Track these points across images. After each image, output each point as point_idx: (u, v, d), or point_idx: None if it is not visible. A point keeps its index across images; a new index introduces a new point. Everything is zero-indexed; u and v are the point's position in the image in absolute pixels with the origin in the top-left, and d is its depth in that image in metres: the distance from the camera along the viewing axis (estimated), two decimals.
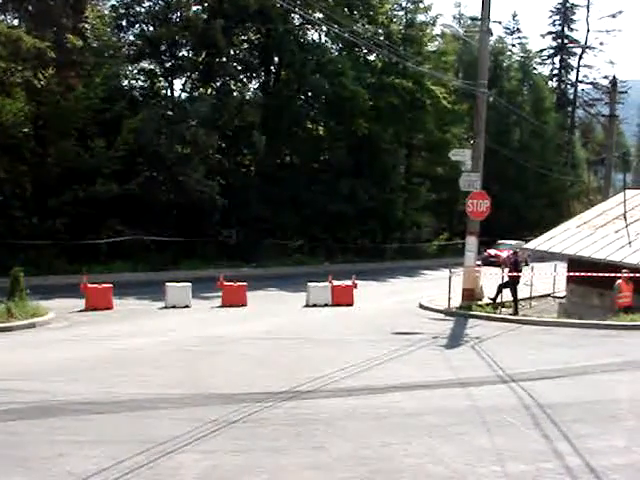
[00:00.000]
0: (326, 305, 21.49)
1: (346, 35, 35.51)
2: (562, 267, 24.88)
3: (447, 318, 19.63)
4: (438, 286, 23.89)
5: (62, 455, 7.78)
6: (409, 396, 10.36)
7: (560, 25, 73.56)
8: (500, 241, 44.11)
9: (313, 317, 19.74)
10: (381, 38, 41.04)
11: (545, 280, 25.16)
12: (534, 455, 7.83)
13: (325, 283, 22.35)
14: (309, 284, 22.27)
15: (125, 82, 37.34)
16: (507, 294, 21.49)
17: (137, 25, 37.62)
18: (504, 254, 34.22)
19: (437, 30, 48.69)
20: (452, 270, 21.51)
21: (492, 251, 40.82)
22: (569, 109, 73.70)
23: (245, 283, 21.83)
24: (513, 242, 40.83)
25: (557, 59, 75.11)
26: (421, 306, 21.78)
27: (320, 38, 44.07)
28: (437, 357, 13.66)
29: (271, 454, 7.84)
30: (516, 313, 20.65)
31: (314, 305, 21.48)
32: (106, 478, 7.08)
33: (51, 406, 9.69)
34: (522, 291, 21.84)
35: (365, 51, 43.31)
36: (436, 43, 50.55)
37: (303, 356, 13.69)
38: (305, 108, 41.94)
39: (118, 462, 7.49)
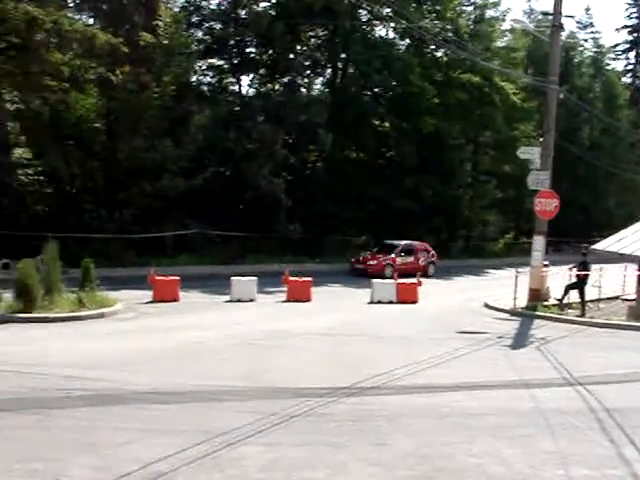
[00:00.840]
0: (390, 302, 21.42)
1: (414, 31, 35.30)
2: (633, 269, 24.24)
3: (512, 318, 19.38)
4: (503, 285, 23.60)
5: (129, 442, 7.99)
6: (472, 396, 10.29)
7: (637, 18, 71.29)
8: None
9: (377, 314, 19.71)
10: (449, 34, 40.61)
11: (614, 282, 24.57)
12: (599, 460, 7.70)
13: (390, 280, 22.29)
14: (373, 281, 22.24)
15: (194, 78, 37.90)
16: (574, 295, 21.06)
17: (205, 23, 38.13)
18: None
19: (506, 25, 47.96)
20: (518, 270, 21.21)
21: None
22: None
23: (310, 278, 21.91)
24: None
25: (632, 54, 72.90)
26: (486, 305, 21.54)
27: (387, 34, 43.90)
28: (501, 357, 13.51)
29: (333, 449, 7.89)
30: (583, 315, 20.22)
31: (378, 302, 21.44)
32: (171, 466, 7.25)
33: (118, 395, 9.95)
34: (590, 292, 21.35)
35: (432, 47, 42.91)
36: (505, 39, 49.74)
37: (366, 352, 13.70)
38: (371, 104, 41.79)
39: (182, 451, 7.66)
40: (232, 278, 21.46)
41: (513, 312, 20.18)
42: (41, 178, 31.69)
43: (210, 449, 7.74)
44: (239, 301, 20.69)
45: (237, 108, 37.02)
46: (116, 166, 31.30)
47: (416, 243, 34.11)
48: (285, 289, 21.85)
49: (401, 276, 24.07)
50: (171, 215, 31.66)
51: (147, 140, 31.30)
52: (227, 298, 21.00)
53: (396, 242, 33.48)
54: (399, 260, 31.86)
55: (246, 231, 33.13)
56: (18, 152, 32.22)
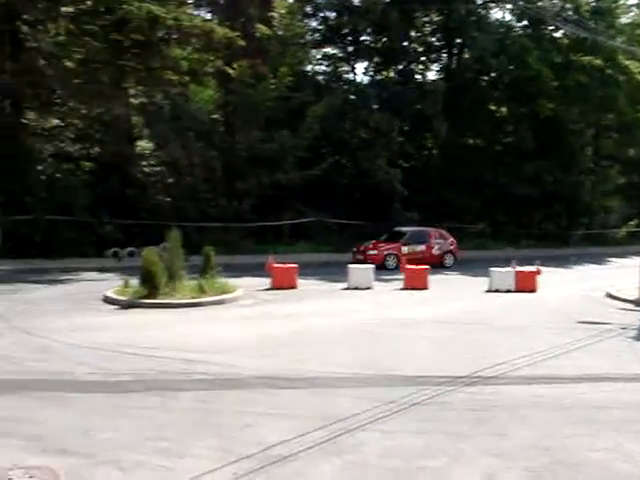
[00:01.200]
0: (508, 291, 20.95)
1: (532, 11, 34.29)
2: None
3: (637, 309, 18.54)
4: (627, 275, 22.62)
5: (249, 425, 8.17)
6: (595, 388, 9.92)
7: None
8: None
9: (495, 303, 19.33)
10: (569, 13, 39.23)
11: None
12: None
13: (508, 268, 21.80)
14: (491, 269, 21.81)
15: (309, 68, 38.27)
16: None
17: (319, 12, 38.35)
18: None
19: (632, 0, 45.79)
20: None
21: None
22: None
23: (427, 266, 21.73)
24: None
25: None
26: (609, 295, 20.70)
27: (503, 16, 42.90)
28: (626, 349, 12.95)
29: (451, 438, 7.80)
30: None
31: (496, 290, 21.02)
32: (290, 450, 7.35)
33: (239, 379, 10.19)
34: None
35: (551, 28, 41.54)
36: (631, 14, 47.47)
37: (484, 341, 13.46)
38: (487, 89, 40.97)
39: (301, 435, 7.76)
40: (349, 266, 21.56)
41: (638, 303, 19.30)
42: (163, 169, 32.91)
43: (329, 435, 7.80)
44: (356, 289, 20.75)
45: (352, 97, 37.10)
46: (234, 157, 32.05)
47: (429, 229, 31.34)
48: (402, 277, 21.74)
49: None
50: (288, 204, 32.11)
51: (264, 131, 31.84)
52: (344, 286, 21.10)
53: (405, 229, 31.11)
54: (406, 249, 29.02)
55: (362, 219, 33.19)
56: (141, 144, 33.56)
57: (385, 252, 28.67)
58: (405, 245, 29.23)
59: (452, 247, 30.76)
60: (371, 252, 28.62)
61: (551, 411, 8.92)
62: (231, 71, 31.67)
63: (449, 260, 30.13)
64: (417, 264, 23.05)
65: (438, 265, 27.11)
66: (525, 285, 21.19)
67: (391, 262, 28.11)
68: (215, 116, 33.12)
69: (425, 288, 21.12)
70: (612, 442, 7.72)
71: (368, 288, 20.98)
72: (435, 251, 29.92)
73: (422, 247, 29.61)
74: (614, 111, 43.47)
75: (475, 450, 7.42)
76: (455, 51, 41.36)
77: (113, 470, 6.88)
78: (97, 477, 6.72)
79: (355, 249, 29.50)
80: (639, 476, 6.84)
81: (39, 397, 9.30)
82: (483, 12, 41.01)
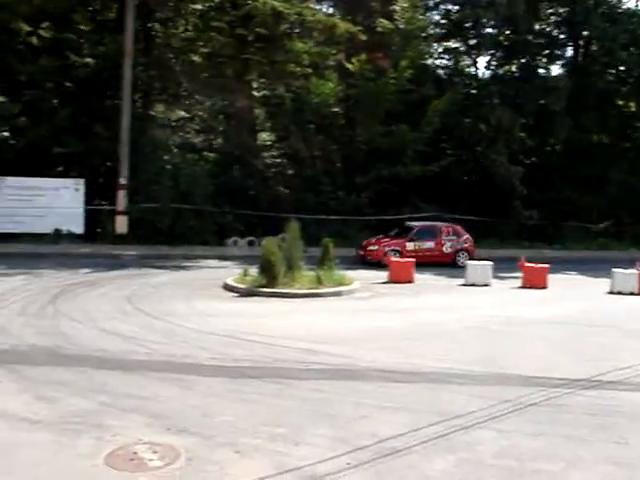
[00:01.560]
0: (632, 294, 20.11)
1: None
2: None
3: None
4: None
5: (364, 417, 8.21)
6: None
7: None
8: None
9: (618, 305, 18.58)
10: None
11: None
12: None
13: (632, 270, 20.92)
14: (614, 270, 20.99)
15: (430, 62, 37.88)
16: None
17: (442, 5, 37.90)
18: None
19: None
20: None
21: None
22: None
23: (546, 265, 21.16)
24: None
25: None
26: None
27: (637, 5, 41.02)
28: None
29: (569, 442, 7.58)
30: None
31: (618, 292, 20.20)
32: (404, 443, 7.34)
33: (356, 370, 10.26)
34: None
35: None
36: None
37: (605, 345, 12.96)
38: (615, 84, 39.30)
39: (415, 430, 7.74)
40: (467, 262, 21.26)
41: None
42: (283, 161, 33.46)
43: (443, 431, 7.75)
44: (473, 285, 20.46)
45: (474, 91, 36.49)
46: (354, 150, 32.21)
47: (441, 224, 28.13)
48: (520, 275, 21.25)
49: (418, 265, 21.73)
50: (406, 198, 31.97)
51: (384, 124, 31.81)
52: (461, 282, 20.84)
53: (414, 223, 28.00)
54: (411, 245, 26.28)
55: (481, 216, 32.65)
56: (263, 136, 34.23)
57: (386, 248, 25.90)
58: (411, 241, 26.55)
59: (467, 245, 27.58)
60: (371, 248, 26.38)
61: None
62: (351, 66, 31.84)
63: (463, 259, 26.37)
64: (426, 263, 22.74)
65: (450, 264, 25.51)
66: None
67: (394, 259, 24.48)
68: (336, 109, 33.30)
69: (544, 287, 20.55)
70: None
71: (486, 285, 20.63)
72: (447, 249, 27.04)
73: (431, 244, 26.80)
74: None
75: (594, 456, 7.19)
76: (581, 43, 39.90)
77: (230, 452, 7.07)
78: (215, 458, 6.92)
79: (360, 244, 27.19)
80: None
81: (162, 378, 9.67)
82: (612, 2, 39.26)
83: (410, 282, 20.35)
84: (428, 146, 32.73)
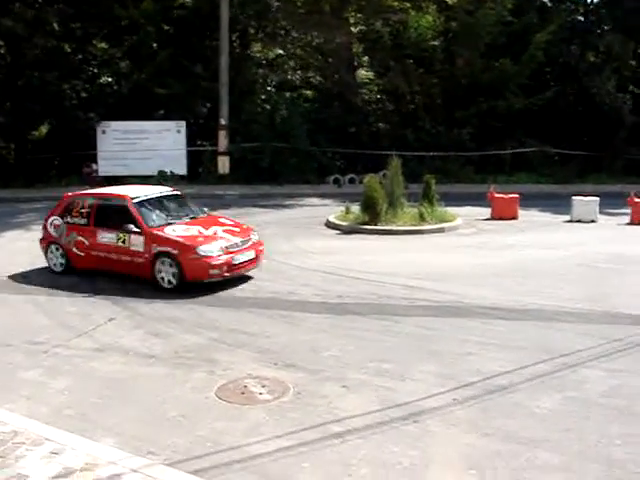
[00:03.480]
0: None
1: None
2: None
3: None
4: None
5: (470, 354, 8.22)
6: None
7: None
8: None
9: None
10: None
11: None
12: None
13: None
14: None
15: None
16: None
17: None
18: None
19: None
20: None
21: None
22: None
23: None
24: None
25: None
26: None
27: None
28: None
29: None
30: None
31: None
32: (510, 381, 7.34)
33: (461, 307, 10.25)
34: None
35: None
36: None
37: None
38: None
39: (522, 367, 7.72)
40: (573, 198, 20.61)
41: None
42: (383, 97, 33.01)
43: (550, 369, 7.69)
44: (579, 222, 19.85)
45: (581, 18, 34.78)
46: (454, 84, 31.40)
47: None
48: (629, 211, 20.47)
49: None
50: (509, 133, 31.10)
51: (485, 57, 30.86)
52: (567, 218, 20.26)
53: None
54: None
55: (587, 150, 31.46)
56: (362, 72, 33.80)
57: None
58: None
59: None
60: None
61: None
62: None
63: None
64: None
65: None
66: None
67: None
68: (435, 43, 32.44)
69: None
70: None
71: (592, 221, 19.97)
72: None
73: None
74: None
75: None
76: None
77: (338, 387, 7.23)
78: (323, 392, 7.09)
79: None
80: None
81: (270, 315, 9.93)
82: None
83: (514, 218, 19.92)
84: (531, 78, 31.53)
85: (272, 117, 29.50)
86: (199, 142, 29.78)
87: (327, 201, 23.95)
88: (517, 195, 20.62)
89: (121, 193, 12.89)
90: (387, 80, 32.17)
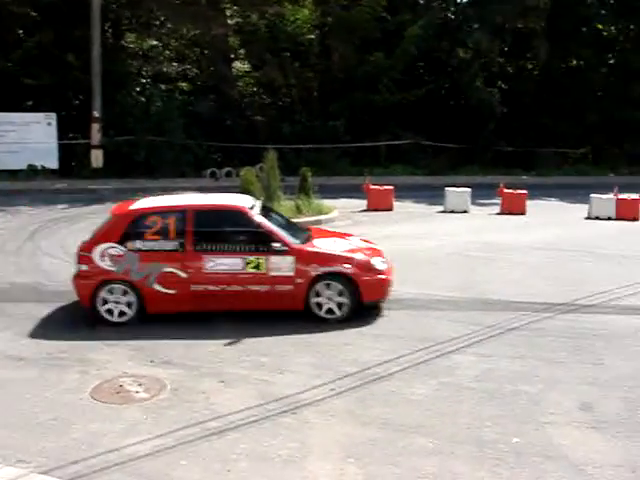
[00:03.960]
0: (609, 218, 20.26)
1: None
2: None
3: None
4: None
5: (347, 344, 8.36)
6: None
7: None
8: None
9: (595, 230, 18.71)
10: None
11: None
12: None
13: (609, 195, 21.03)
14: (592, 196, 21.10)
15: None
16: None
17: None
18: None
19: None
20: None
21: None
22: None
23: (524, 191, 21.22)
24: None
25: None
26: None
27: None
28: None
29: (547, 364, 7.78)
30: None
31: (596, 218, 20.35)
32: (386, 369, 7.51)
33: None
34: None
35: None
36: None
37: (583, 269, 13.09)
38: (594, 7, 38.72)
39: (398, 356, 7.91)
40: (446, 189, 21.26)
41: None
42: (259, 89, 32.96)
43: (424, 356, 7.92)
44: (452, 212, 20.51)
45: (451, 15, 35.91)
46: (330, 78, 31.74)
47: None
48: (499, 201, 21.33)
49: None
50: (384, 126, 31.72)
51: (360, 52, 31.33)
52: (440, 209, 20.88)
53: None
54: None
55: (458, 142, 32.55)
56: (238, 65, 33.61)
57: None
58: None
59: None
60: None
61: None
62: None
63: None
64: None
65: None
66: (627, 213, 20.37)
67: None
68: (311, 37, 32.67)
69: (522, 213, 20.64)
70: None
71: (464, 212, 20.68)
72: None
73: None
74: None
75: (570, 378, 7.39)
76: None
77: (215, 382, 7.18)
78: (201, 388, 7.01)
79: None
80: None
81: None
82: None
83: (389, 210, 20.36)
84: (405, 73, 32.31)
85: (147, 110, 28.87)
86: (71, 135, 28.70)
87: None
88: (392, 187, 21.07)
89: (229, 203, 10.04)
90: (263, 73, 32.15)
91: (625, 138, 36.93)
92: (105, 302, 9.17)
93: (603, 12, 38.63)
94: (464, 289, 11.04)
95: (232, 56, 33.29)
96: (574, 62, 39.51)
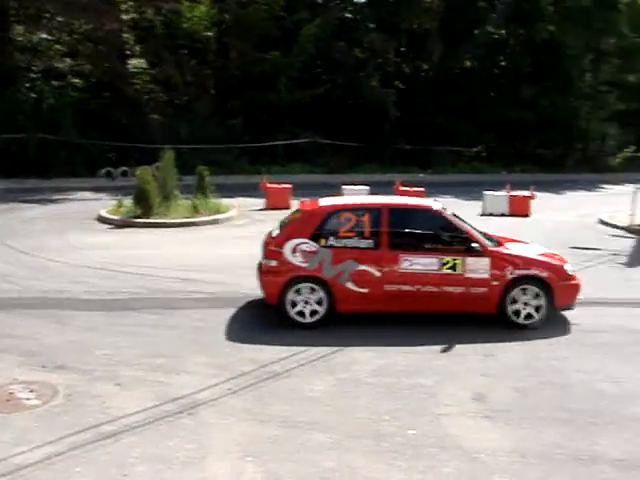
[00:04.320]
0: (502, 215, 20.99)
1: None
2: None
3: (628, 235, 18.54)
4: (620, 202, 22.56)
5: (245, 342, 8.32)
6: (588, 312, 9.95)
7: None
8: None
9: (488, 226, 19.23)
10: None
11: None
12: None
13: (502, 192, 21.79)
14: (485, 193, 21.80)
15: None
16: None
17: None
18: None
19: None
20: (638, 186, 20.22)
21: None
22: None
23: (422, 189, 21.69)
24: None
25: None
26: (601, 221, 20.67)
27: None
28: (616, 275, 13.04)
29: (442, 358, 8.02)
30: None
31: (490, 214, 21.04)
32: (284, 367, 7.54)
33: (235, 297, 10.33)
34: None
35: None
36: None
37: None
38: (485, 11, 40.03)
39: (295, 354, 7.93)
40: (343, 187, 21.50)
41: (630, 229, 19.29)
42: (155, 87, 32.42)
43: (322, 352, 7.98)
44: None
45: (349, 15, 36.34)
46: (227, 76, 31.55)
47: None
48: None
49: None
50: (282, 125, 31.79)
51: (258, 50, 31.28)
52: None
53: None
54: None
55: (356, 141, 32.99)
56: (134, 62, 32.95)
57: None
58: None
59: None
60: None
61: (536, 332, 9.04)
62: None
63: None
64: None
65: None
66: (519, 209, 21.21)
67: None
68: (209, 34, 32.40)
69: None
70: (597, 364, 7.91)
71: None
72: None
73: None
74: (615, 35, 42.46)
75: (465, 369, 7.67)
76: None
77: (111, 385, 7.03)
78: (96, 392, 6.86)
79: None
80: (620, 395, 7.03)
81: (37, 315, 9.41)
82: None
83: (287, 208, 20.38)
84: (303, 72, 32.52)
85: (38, 107, 27.97)
86: None
87: (99, 195, 23.19)
88: (290, 185, 21.18)
89: (424, 203, 10.21)
90: (160, 70, 31.68)
91: (515, 137, 38.32)
92: (294, 301, 8.98)
93: (494, 16, 39.97)
94: None
95: (128, 52, 32.60)
96: (468, 63, 40.73)
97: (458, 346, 8.37)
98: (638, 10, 40.91)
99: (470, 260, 8.94)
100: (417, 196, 21.24)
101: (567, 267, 9.45)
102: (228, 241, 15.47)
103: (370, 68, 34.00)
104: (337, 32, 34.35)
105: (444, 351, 8.19)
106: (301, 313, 8.94)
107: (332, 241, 9.02)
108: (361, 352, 8.07)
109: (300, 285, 8.95)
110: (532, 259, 9.32)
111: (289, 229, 9.40)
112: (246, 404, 6.64)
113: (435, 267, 8.94)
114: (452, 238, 9.19)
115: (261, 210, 20.22)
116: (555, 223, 20.10)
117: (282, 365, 7.57)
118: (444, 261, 8.94)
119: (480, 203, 21.54)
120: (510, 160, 37.13)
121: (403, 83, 37.65)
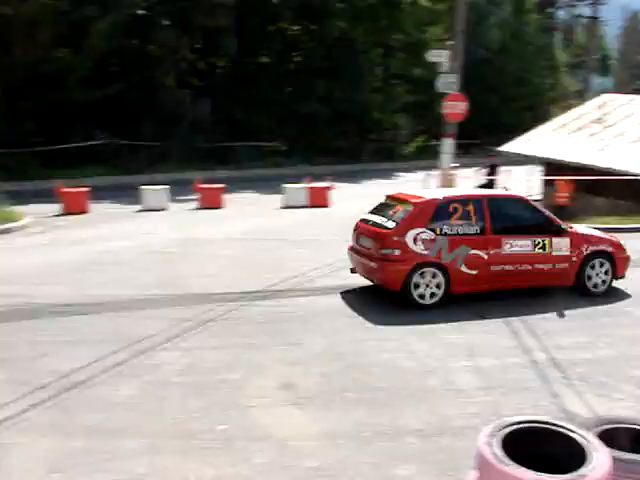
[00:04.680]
0: (303, 207, 21.54)
1: None
2: (538, 171, 25.03)
3: None
4: (412, 188, 23.77)
5: (44, 355, 7.97)
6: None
7: None
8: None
9: (289, 218, 19.77)
10: None
11: (521, 184, 25.11)
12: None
13: (301, 185, 22.35)
14: (285, 186, 22.26)
15: None
16: None
17: None
18: None
19: None
20: (429, 172, 21.51)
21: None
22: (551, 10, 71.37)
23: (222, 185, 21.78)
24: None
25: None
26: None
27: None
28: None
29: (249, 351, 8.08)
30: None
31: (291, 207, 21.53)
32: (88, 375, 7.28)
33: (32, 309, 9.80)
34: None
35: None
36: None
37: (279, 256, 13.81)
38: (279, 7, 40.74)
39: (98, 360, 7.69)
40: (142, 187, 21.14)
41: None
42: None
43: (127, 357, 7.82)
44: (151, 210, 20.45)
45: (141, 12, 35.51)
46: (13, 76, 29.77)
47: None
48: (197, 197, 21.68)
49: None
50: (77, 125, 30.60)
51: (45, 48, 29.80)
52: (138, 208, 20.72)
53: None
54: None
55: (157, 140, 32.45)
56: None
57: None
58: None
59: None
60: None
61: (343, 318, 9.42)
62: None
63: None
64: None
65: None
66: (318, 201, 21.90)
67: None
68: None
69: (220, 207, 21.21)
70: (400, 343, 8.34)
71: (163, 209, 20.76)
72: None
73: None
74: (400, 32, 44.92)
75: (272, 360, 7.76)
76: None
77: None
78: None
79: None
80: (421, 371, 7.46)
81: None
82: None
83: (85, 212, 19.82)
84: (96, 70, 31.42)
85: None
86: None
87: None
88: (86, 189, 20.53)
89: (513, 193, 12.70)
90: None
91: (313, 131, 39.35)
92: (417, 285, 9.82)
93: (287, 13, 40.78)
94: (164, 286, 11.11)
95: None
96: (263, 59, 41.26)
97: (263, 338, 8.51)
98: (419, 10, 43.45)
99: (555, 240, 10.41)
100: (216, 193, 21.46)
101: (623, 243, 11.03)
102: (22, 250, 14.66)
103: (165, 66, 33.49)
104: (130, 29, 33.49)
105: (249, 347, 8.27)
106: (422, 296, 9.87)
107: (446, 229, 9.99)
108: (167, 352, 7.98)
109: (424, 270, 9.84)
110: (602, 237, 10.98)
111: (408, 220, 10.05)
112: (50, 418, 6.33)
113: (529, 248, 10.30)
114: (541, 222, 10.55)
115: (58, 216, 19.41)
116: (351, 212, 20.74)
117: (86, 373, 7.32)
118: (536, 242, 10.34)
119: (281, 196, 21.96)
120: (309, 153, 38.07)
121: (201, 80, 37.46)
